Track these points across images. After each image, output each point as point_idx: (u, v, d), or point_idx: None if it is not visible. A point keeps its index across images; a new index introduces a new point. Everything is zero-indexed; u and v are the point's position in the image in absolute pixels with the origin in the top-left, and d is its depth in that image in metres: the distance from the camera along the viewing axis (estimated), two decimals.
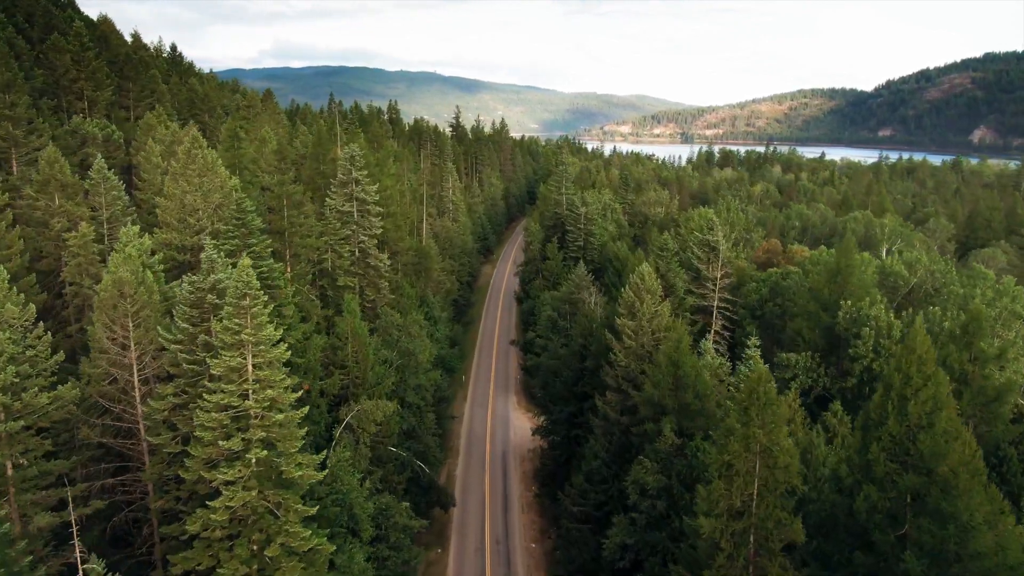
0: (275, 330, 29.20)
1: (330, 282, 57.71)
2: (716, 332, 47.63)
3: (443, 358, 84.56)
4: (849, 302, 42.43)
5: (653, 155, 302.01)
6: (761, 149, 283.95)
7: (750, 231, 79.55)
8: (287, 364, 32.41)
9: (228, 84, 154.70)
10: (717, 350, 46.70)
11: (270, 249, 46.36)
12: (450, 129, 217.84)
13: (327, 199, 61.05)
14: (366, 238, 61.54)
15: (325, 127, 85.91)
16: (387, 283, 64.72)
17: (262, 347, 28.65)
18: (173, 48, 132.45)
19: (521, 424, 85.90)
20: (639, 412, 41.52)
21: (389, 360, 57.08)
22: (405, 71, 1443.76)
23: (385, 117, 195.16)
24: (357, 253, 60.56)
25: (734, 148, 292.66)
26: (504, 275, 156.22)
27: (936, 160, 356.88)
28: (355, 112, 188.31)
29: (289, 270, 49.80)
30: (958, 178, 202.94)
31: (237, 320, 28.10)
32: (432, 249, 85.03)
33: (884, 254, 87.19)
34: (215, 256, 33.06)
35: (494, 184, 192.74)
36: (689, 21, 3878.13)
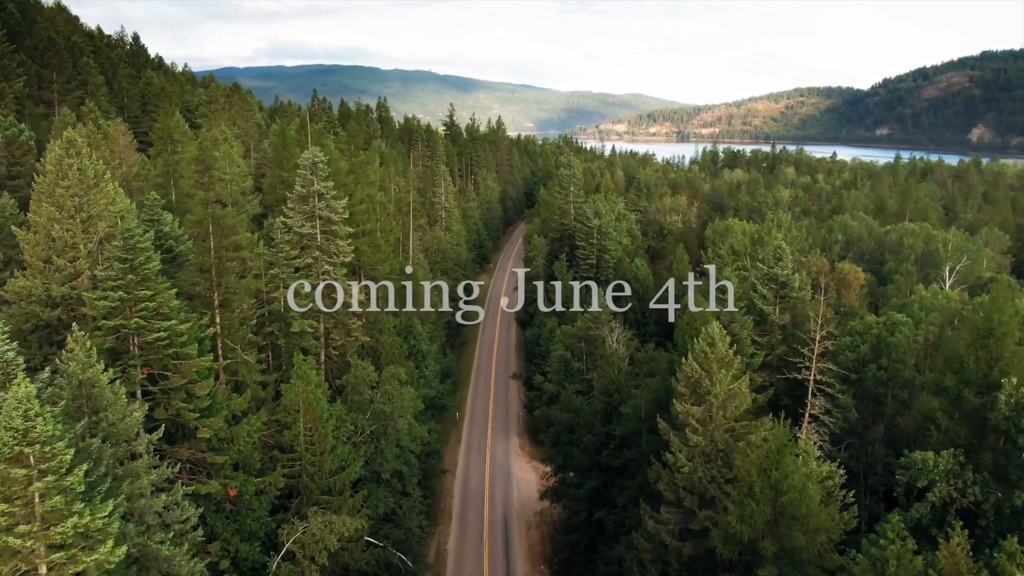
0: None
1: (282, 328, 43.92)
2: (811, 416, 34.12)
3: (433, 399, 71.05)
4: (1013, 380, 28.98)
5: (654, 155, 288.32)
6: (767, 148, 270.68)
7: (807, 252, 65.95)
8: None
9: (201, 80, 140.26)
10: (821, 448, 32.99)
11: (182, 300, 32.64)
12: (444, 128, 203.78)
13: (280, 218, 47.24)
14: (331, 267, 47.76)
15: (290, 127, 71.96)
16: (360, 322, 51.00)
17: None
18: (135, 39, 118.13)
19: (525, 476, 72.31)
20: (710, 541, 28.04)
21: (359, 428, 43.45)
22: (400, 70, 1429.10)
23: (374, 115, 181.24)
24: (321, 287, 46.80)
25: (740, 148, 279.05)
26: (502, 286, 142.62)
27: (936, 159, 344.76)
28: (342, 110, 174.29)
29: (218, 321, 36.03)
30: (981, 180, 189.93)
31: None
32: (421, 270, 71.32)
33: (948, 276, 73.88)
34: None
35: (490, 187, 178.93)
36: (685, 19, 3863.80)
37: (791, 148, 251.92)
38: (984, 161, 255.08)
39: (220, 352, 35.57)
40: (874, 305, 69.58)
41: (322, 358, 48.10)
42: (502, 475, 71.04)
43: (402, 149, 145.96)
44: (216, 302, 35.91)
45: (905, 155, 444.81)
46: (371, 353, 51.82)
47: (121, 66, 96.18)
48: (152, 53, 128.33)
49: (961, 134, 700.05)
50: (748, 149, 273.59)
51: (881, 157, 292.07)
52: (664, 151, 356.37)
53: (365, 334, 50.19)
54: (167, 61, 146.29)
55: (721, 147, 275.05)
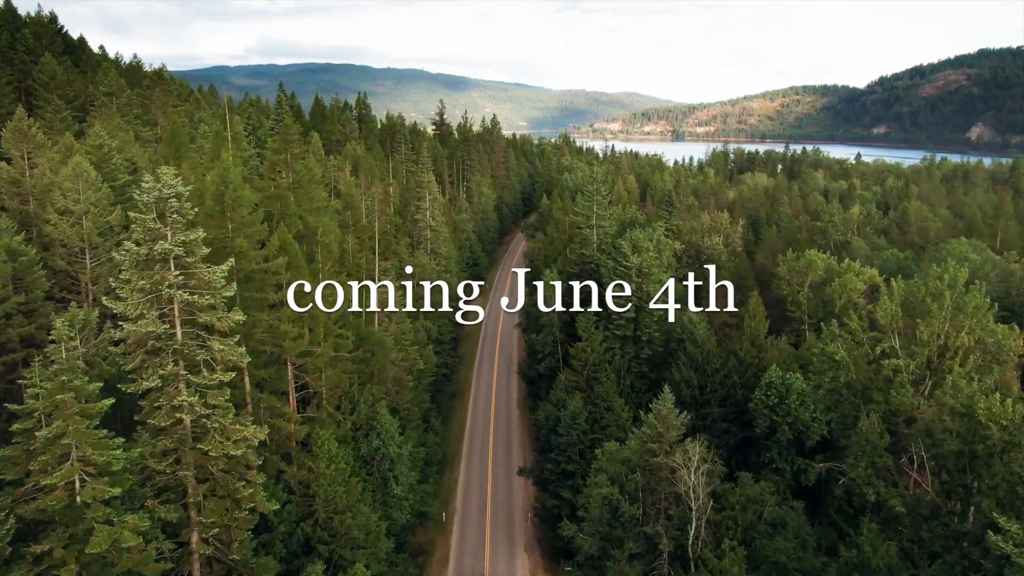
0: None
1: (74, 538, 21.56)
2: None
3: (407, 521, 48.92)
4: None
5: (662, 155, 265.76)
6: (778, 147, 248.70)
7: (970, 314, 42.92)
8: None
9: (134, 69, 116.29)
10: None
11: None
12: (433, 128, 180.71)
13: (105, 299, 24.85)
14: (200, 392, 25.38)
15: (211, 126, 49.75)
16: (257, 480, 28.50)
17: None
18: (52, 17, 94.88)
19: None
20: None
21: None
22: (392, 68, 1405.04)
23: (354, 113, 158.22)
24: (188, 427, 24.46)
25: (752, 148, 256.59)
26: (500, 312, 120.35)
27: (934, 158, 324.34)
28: (316, 107, 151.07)
29: None
30: None
31: None
32: (387, 339, 48.73)
33: None
34: None
35: (485, 193, 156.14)
36: (679, 17, 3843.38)
37: (805, 148, 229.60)
38: (1006, 161, 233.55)
39: None
40: None
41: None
42: None
43: (380, 153, 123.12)
44: None
45: (905, 154, 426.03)
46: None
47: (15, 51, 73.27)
48: (94, 39, 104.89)
49: (960, 132, 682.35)
50: (759, 149, 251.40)
51: (882, 156, 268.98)
52: (660, 150, 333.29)
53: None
54: (114, 51, 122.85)
55: (732, 147, 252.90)
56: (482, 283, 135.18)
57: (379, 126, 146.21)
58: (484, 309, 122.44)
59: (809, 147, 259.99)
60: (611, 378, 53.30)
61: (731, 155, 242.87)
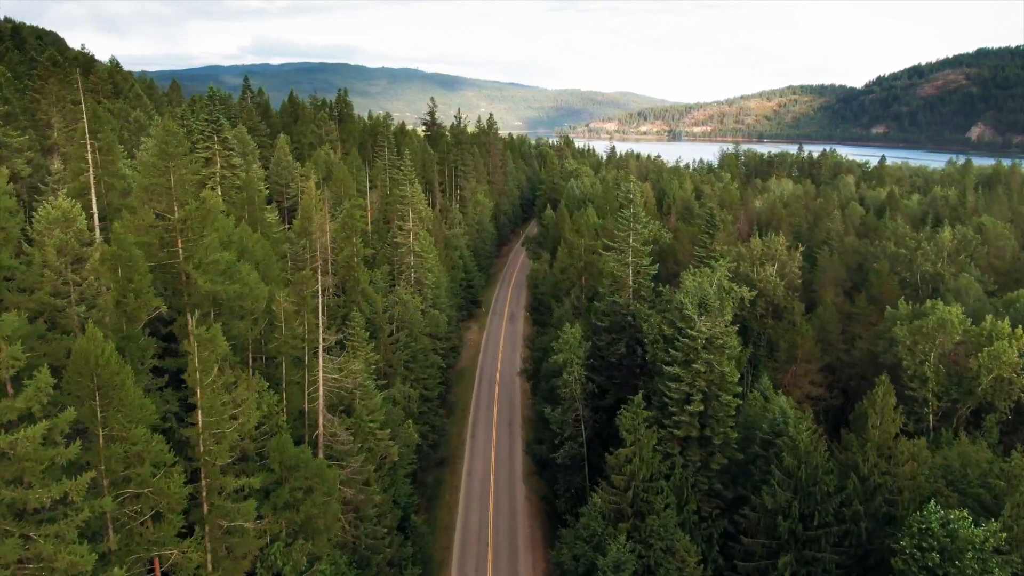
0: None
1: None
2: None
3: None
4: None
5: (659, 156, 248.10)
6: (791, 148, 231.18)
7: None
8: None
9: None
10: None
11: None
12: (423, 129, 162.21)
13: None
14: None
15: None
16: None
17: None
18: None
19: None
20: None
21: None
22: (387, 68, 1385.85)
23: (334, 113, 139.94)
24: None
25: (766, 150, 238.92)
26: (499, 341, 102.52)
27: (935, 158, 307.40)
28: (290, 105, 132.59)
29: None
30: None
31: None
32: (330, 472, 30.74)
33: None
34: None
35: (481, 202, 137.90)
36: (674, 16, 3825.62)
37: (826, 149, 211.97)
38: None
39: None
40: None
41: None
42: None
43: (359, 159, 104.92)
44: None
45: (906, 154, 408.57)
46: None
47: None
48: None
49: (960, 132, 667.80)
50: (771, 150, 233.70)
51: (877, 157, 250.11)
52: (658, 150, 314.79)
53: None
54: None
55: (742, 148, 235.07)
56: (478, 303, 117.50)
57: (361, 126, 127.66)
58: (481, 338, 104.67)
59: (817, 147, 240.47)
60: (670, 502, 35.57)
61: (741, 156, 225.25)
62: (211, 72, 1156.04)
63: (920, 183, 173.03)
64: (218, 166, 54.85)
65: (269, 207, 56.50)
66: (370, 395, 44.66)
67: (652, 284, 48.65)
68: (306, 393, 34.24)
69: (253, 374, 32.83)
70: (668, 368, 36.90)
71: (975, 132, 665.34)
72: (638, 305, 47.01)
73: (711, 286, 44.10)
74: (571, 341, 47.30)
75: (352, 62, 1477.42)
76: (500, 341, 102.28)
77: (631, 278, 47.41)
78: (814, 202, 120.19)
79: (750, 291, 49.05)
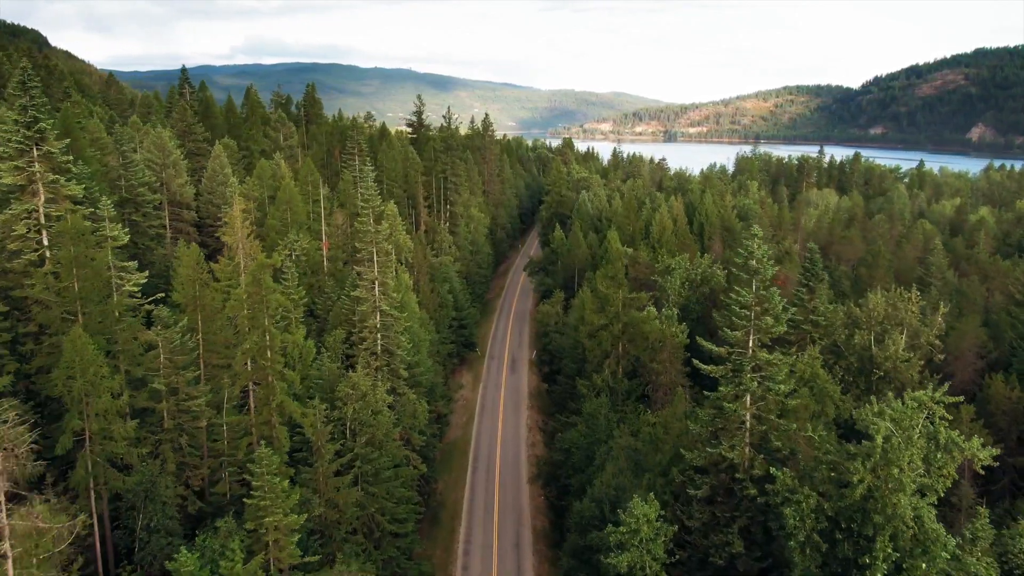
0: None
1: None
2: None
3: None
4: None
5: (663, 158, 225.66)
6: (807, 149, 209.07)
7: None
8: None
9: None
10: None
11: None
12: (409, 131, 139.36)
13: None
14: None
15: None
16: None
17: None
18: None
19: None
20: None
21: None
22: (380, 68, 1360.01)
23: (301, 113, 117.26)
24: None
25: (776, 152, 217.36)
26: (499, 401, 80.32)
27: (937, 159, 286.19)
28: (250, 104, 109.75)
29: None
30: None
31: None
32: None
33: None
34: None
35: (475, 217, 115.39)
36: (667, 16, 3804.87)
37: (859, 152, 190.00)
38: None
39: None
40: None
41: None
42: None
43: (314, 174, 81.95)
44: None
45: (906, 155, 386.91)
46: None
47: None
48: None
49: (960, 133, 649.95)
50: (789, 153, 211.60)
51: (880, 158, 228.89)
52: (653, 151, 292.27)
53: None
54: None
55: (760, 149, 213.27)
56: (472, 345, 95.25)
57: (330, 128, 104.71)
58: (476, 396, 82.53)
59: (813, 148, 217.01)
60: None
61: (760, 159, 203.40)
62: (203, 72, 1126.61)
63: (962, 189, 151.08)
64: (40, 198, 32.41)
65: (128, 265, 34.26)
66: None
67: (772, 448, 26.26)
68: None
69: None
70: None
71: (975, 133, 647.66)
72: (759, 461, 25.07)
73: (914, 432, 22.01)
74: (641, 528, 25.27)
75: (345, 62, 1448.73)
76: (500, 401, 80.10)
77: (751, 408, 25.28)
78: (874, 221, 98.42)
79: (984, 447, 26.55)
